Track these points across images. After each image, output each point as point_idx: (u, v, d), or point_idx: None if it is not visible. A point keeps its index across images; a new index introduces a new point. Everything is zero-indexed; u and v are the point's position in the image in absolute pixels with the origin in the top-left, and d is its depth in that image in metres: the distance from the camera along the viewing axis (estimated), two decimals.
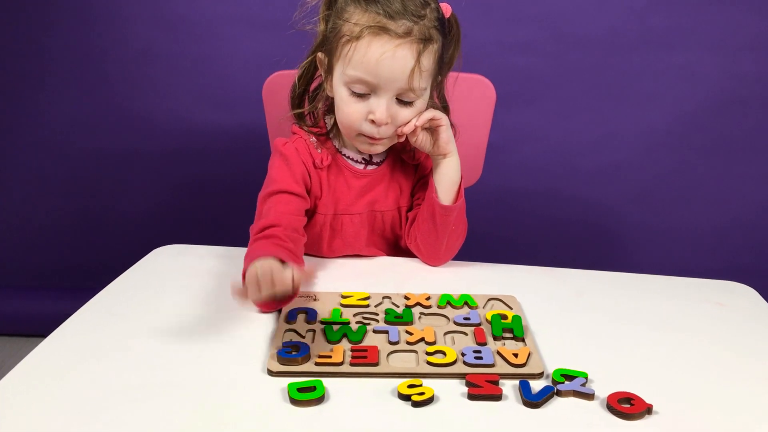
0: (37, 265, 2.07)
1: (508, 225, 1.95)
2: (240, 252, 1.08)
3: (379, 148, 1.08)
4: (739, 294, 1.04)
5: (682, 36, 1.77)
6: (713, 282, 1.07)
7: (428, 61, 0.99)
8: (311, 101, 1.11)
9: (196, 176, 1.95)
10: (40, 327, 1.93)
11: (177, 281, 1.01)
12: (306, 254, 1.12)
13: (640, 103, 1.84)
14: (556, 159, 1.90)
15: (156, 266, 1.07)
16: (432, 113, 1.03)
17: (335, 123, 1.09)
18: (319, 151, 1.11)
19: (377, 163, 1.14)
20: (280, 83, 1.25)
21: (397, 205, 1.16)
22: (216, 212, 1.95)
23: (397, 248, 1.19)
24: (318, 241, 1.13)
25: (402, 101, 1.01)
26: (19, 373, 0.76)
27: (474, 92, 1.36)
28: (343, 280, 1.03)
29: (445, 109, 1.13)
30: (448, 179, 1.08)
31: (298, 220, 1.06)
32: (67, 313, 0.89)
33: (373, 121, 1.01)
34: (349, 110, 1.02)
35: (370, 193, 1.13)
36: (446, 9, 1.04)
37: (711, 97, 1.82)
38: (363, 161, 1.13)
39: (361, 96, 1.00)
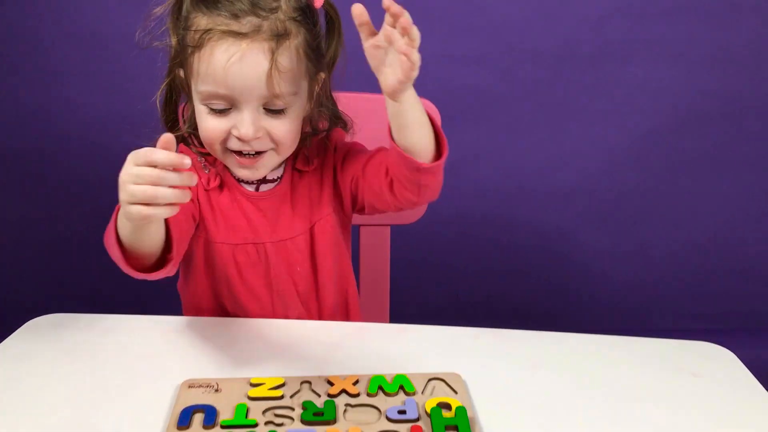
0: None
1: (455, 255, 1.81)
2: (133, 322, 0.92)
3: (260, 172, 0.92)
4: (713, 358, 0.90)
5: (641, 49, 1.68)
6: (686, 344, 0.93)
7: (288, 59, 0.84)
8: (187, 121, 0.96)
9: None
10: None
11: (52, 360, 0.84)
12: (224, 315, 0.98)
13: (597, 120, 1.74)
14: (506, 181, 1.78)
15: (28, 343, 0.89)
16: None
17: None
18: (206, 171, 0.96)
19: (273, 181, 0.98)
20: None
21: (309, 224, 0.99)
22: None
23: (321, 284, 1.02)
24: (227, 282, 0.97)
25: (271, 110, 0.86)
26: None
27: None
28: (253, 357, 0.86)
29: (334, 113, 0.97)
30: (419, 126, 0.84)
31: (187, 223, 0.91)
32: None
33: (239, 138, 0.86)
34: (210, 126, 0.87)
35: (271, 219, 0.97)
36: None
37: (671, 113, 1.73)
38: (256, 182, 0.97)
39: (220, 112, 0.86)
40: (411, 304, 1.36)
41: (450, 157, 1.28)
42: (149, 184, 0.67)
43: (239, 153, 0.89)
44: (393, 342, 0.91)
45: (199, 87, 0.85)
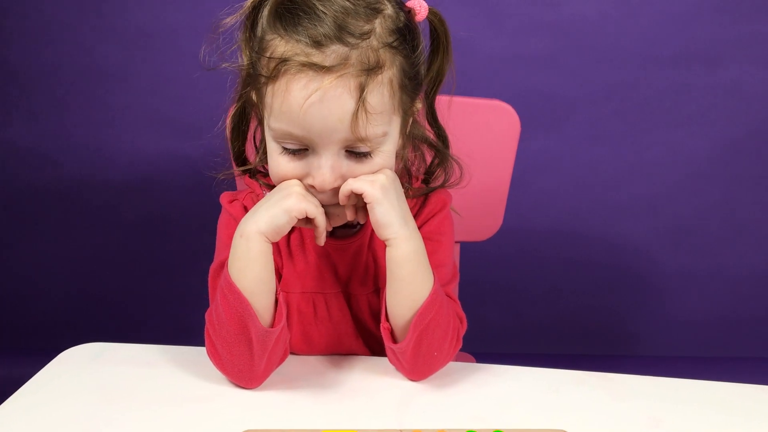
0: None
1: (525, 269, 1.70)
2: (192, 351, 0.82)
3: (338, 220, 0.79)
4: None
5: (731, 49, 1.57)
6: None
7: (379, 96, 0.70)
8: (260, 150, 0.83)
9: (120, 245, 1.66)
10: None
11: (89, 400, 0.72)
12: None
13: (680, 127, 1.63)
14: (578, 193, 1.67)
15: (66, 375, 0.78)
16: (356, 185, 0.73)
17: None
18: None
19: (352, 227, 0.85)
20: None
21: (375, 286, 0.85)
22: (158, 292, 1.68)
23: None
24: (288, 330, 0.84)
25: (355, 153, 0.73)
26: None
27: (492, 122, 1.12)
28: (321, 401, 0.74)
29: (442, 140, 0.85)
30: (392, 295, 0.76)
31: None
32: None
33: (312, 186, 0.74)
34: (280, 170, 0.74)
35: (343, 269, 0.85)
36: (419, 8, 0.76)
37: (763, 120, 1.61)
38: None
39: (296, 153, 0.73)
40: (473, 326, 1.26)
41: (519, 166, 1.18)
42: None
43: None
44: (481, 386, 0.78)
45: (272, 123, 0.72)
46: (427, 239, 0.79)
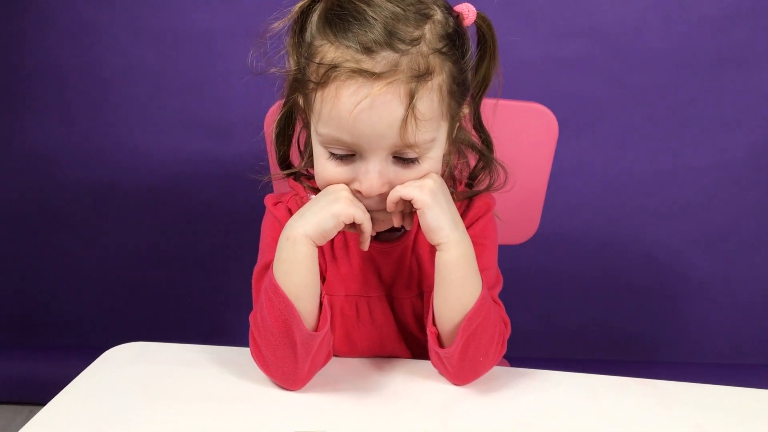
0: None
1: (557, 272, 1.69)
2: (232, 351, 0.83)
3: (384, 224, 0.79)
4: None
5: (765, 52, 1.53)
6: None
7: (429, 102, 0.71)
8: (305, 154, 0.85)
9: (166, 242, 1.68)
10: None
11: (141, 394, 0.74)
12: None
13: (716, 131, 1.59)
14: (611, 197, 1.64)
15: (111, 373, 0.79)
16: (404, 191, 0.73)
17: None
18: None
19: (396, 230, 0.85)
20: None
21: (419, 290, 0.86)
22: (194, 292, 1.69)
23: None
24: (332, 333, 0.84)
25: (402, 159, 0.73)
26: None
27: (530, 126, 1.12)
28: (368, 407, 0.74)
29: (487, 144, 0.85)
30: (441, 299, 0.77)
31: None
32: None
33: (359, 191, 0.74)
34: (327, 175, 0.75)
35: (386, 273, 0.85)
36: (467, 12, 0.76)
37: None
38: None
39: (343, 158, 0.73)
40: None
41: (553, 170, 1.18)
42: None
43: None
44: (525, 392, 0.78)
45: (320, 129, 0.72)
46: (482, 243, 0.79)
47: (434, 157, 0.75)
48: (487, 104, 1.02)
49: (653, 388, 0.80)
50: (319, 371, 0.77)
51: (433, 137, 0.73)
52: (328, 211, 0.73)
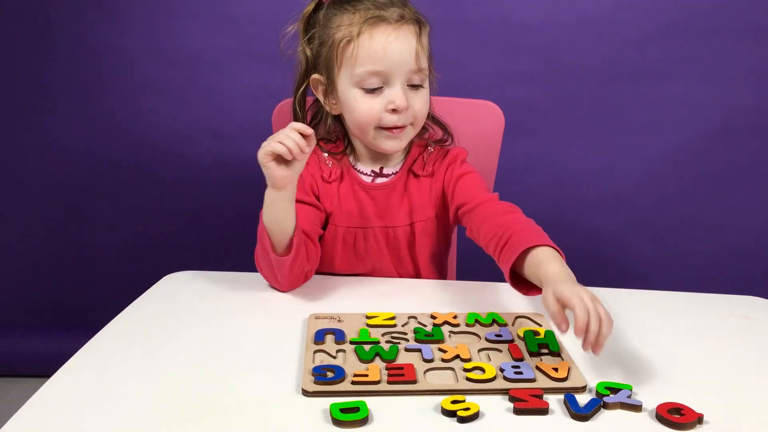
0: (37, 301, 2.02)
1: None
2: (252, 277, 1.06)
3: (401, 143, 1.07)
4: (760, 307, 1.04)
5: (680, 66, 1.79)
6: (733, 297, 1.07)
7: (425, 41, 1.04)
8: (318, 124, 1.13)
9: (200, 207, 1.93)
10: (44, 367, 1.89)
11: (193, 306, 0.99)
12: (319, 273, 1.10)
13: (639, 133, 1.85)
14: (557, 188, 1.90)
15: (169, 292, 1.04)
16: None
17: (347, 139, 1.11)
18: (329, 165, 1.11)
19: (387, 176, 1.13)
20: (288, 111, 1.24)
21: (410, 220, 1.13)
22: (220, 240, 1.93)
23: (414, 272, 1.17)
24: (331, 255, 1.12)
25: (412, 86, 1.04)
26: (54, 385, 0.73)
27: (482, 118, 1.36)
28: (365, 301, 1.01)
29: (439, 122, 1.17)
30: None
31: (312, 230, 1.05)
32: (70, 351, 0.82)
33: (394, 110, 1.02)
34: (366, 107, 1.03)
35: (381, 208, 1.12)
36: None
37: (708, 127, 1.84)
38: (372, 174, 1.12)
39: (374, 91, 1.02)
40: None
41: (505, 165, 1.41)
42: (278, 142, 0.91)
43: (388, 129, 1.05)
44: (484, 293, 1.05)
45: (357, 69, 1.01)
46: (468, 173, 1.10)
47: (427, 87, 1.06)
48: (445, 101, 1.31)
49: None
50: (303, 283, 1.03)
51: (429, 68, 1.05)
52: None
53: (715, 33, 1.76)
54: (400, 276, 1.15)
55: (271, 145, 0.91)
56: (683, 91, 1.81)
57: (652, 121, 1.84)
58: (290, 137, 0.91)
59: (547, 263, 0.88)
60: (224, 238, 1.92)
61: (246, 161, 1.81)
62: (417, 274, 1.16)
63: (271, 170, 0.93)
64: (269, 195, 0.97)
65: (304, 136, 0.91)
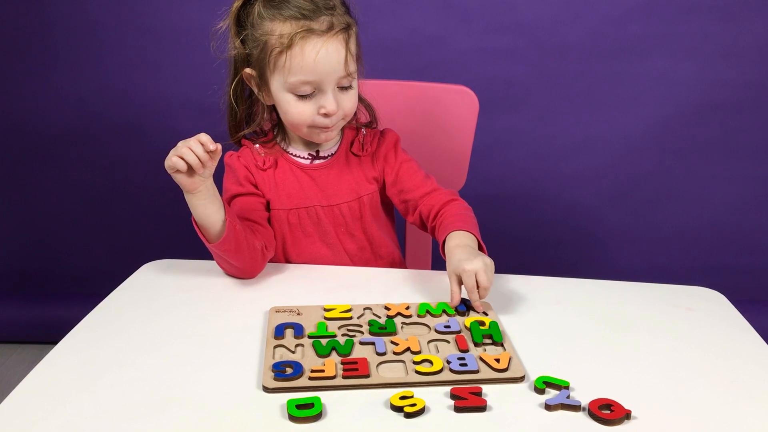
0: (19, 273, 2.09)
1: (493, 226, 1.94)
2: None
3: (333, 134, 1.13)
4: (708, 299, 1.07)
5: (659, 43, 1.81)
6: (685, 288, 1.10)
7: (353, 45, 1.06)
8: (248, 119, 1.16)
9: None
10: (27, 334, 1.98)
11: (168, 297, 1.04)
12: (273, 261, 1.15)
13: (618, 109, 1.87)
14: (537, 162, 1.93)
15: (146, 282, 1.09)
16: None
17: (279, 126, 1.15)
18: (262, 154, 1.16)
19: (325, 158, 1.18)
20: None
21: (356, 195, 1.18)
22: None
23: (369, 246, 1.22)
24: (281, 241, 1.17)
25: (342, 87, 1.07)
26: (15, 400, 0.78)
27: (457, 102, 1.39)
28: (323, 293, 1.05)
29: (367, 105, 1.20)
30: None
31: (257, 216, 1.12)
32: (59, 322, 0.85)
33: (326, 114, 1.06)
34: (299, 111, 1.07)
35: (322, 187, 1.17)
36: None
37: (685, 103, 1.86)
38: (310, 156, 1.17)
39: (305, 97, 1.06)
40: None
41: (487, 140, 1.42)
42: (178, 156, 0.96)
43: (321, 127, 1.09)
44: (435, 283, 1.09)
45: (290, 78, 1.04)
46: (408, 161, 1.16)
47: (355, 87, 1.09)
48: (421, 86, 1.34)
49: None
50: (261, 268, 1.09)
51: (357, 69, 1.08)
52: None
53: (695, 10, 1.77)
54: (356, 253, 1.21)
55: (173, 159, 0.96)
56: (662, 68, 1.82)
57: (632, 97, 1.86)
58: (193, 151, 0.96)
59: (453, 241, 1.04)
60: None
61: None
62: (372, 248, 1.21)
63: (178, 179, 0.99)
64: (186, 198, 1.02)
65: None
